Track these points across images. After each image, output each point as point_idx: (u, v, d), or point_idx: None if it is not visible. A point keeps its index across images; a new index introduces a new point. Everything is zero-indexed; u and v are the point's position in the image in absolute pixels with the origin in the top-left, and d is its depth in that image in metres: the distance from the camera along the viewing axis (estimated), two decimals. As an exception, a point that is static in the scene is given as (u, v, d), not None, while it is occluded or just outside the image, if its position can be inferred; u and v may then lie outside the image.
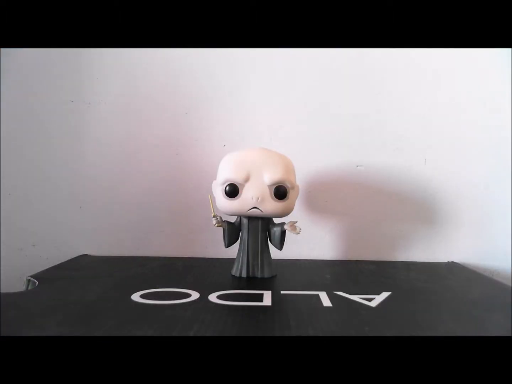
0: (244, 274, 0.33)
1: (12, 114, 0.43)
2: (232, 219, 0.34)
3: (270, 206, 0.31)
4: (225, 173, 0.31)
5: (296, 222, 0.33)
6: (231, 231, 0.33)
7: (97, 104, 0.43)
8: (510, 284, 0.33)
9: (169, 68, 0.43)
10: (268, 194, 0.30)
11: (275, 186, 0.30)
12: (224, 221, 0.33)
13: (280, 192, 0.31)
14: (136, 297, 0.28)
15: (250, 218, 0.33)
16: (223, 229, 0.33)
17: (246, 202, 0.31)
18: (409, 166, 0.43)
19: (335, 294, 0.29)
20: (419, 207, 0.44)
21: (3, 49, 0.40)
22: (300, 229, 0.32)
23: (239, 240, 0.34)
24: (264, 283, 0.32)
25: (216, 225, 0.33)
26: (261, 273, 0.33)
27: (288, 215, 0.33)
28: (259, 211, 0.31)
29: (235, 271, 0.34)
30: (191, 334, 0.22)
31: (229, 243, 0.34)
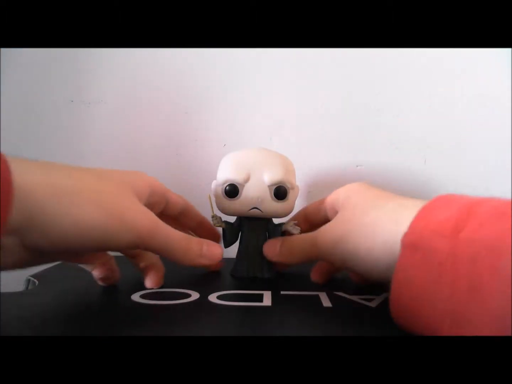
0: (244, 274, 0.33)
1: (12, 114, 0.43)
2: (232, 219, 0.34)
3: (270, 206, 0.31)
4: (225, 173, 0.31)
5: (296, 222, 0.32)
6: (231, 231, 0.33)
7: (97, 104, 0.43)
8: None
9: (169, 68, 0.43)
10: (268, 194, 0.30)
11: (275, 187, 0.30)
12: (224, 221, 0.33)
13: (280, 193, 0.30)
14: (136, 297, 0.28)
15: (250, 218, 0.32)
16: (223, 229, 0.33)
17: (246, 202, 0.30)
18: (409, 166, 0.43)
19: (335, 294, 0.29)
20: (419, 207, 0.44)
21: (3, 49, 0.40)
22: (300, 228, 0.32)
23: (238, 240, 0.34)
24: (264, 283, 0.32)
25: (216, 225, 0.33)
26: (260, 273, 0.33)
27: (288, 216, 0.33)
28: (259, 211, 0.31)
29: (234, 271, 0.33)
30: (191, 334, 0.22)
31: (228, 243, 0.33)
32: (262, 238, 0.33)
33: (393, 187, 0.43)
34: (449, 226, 0.20)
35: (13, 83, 0.42)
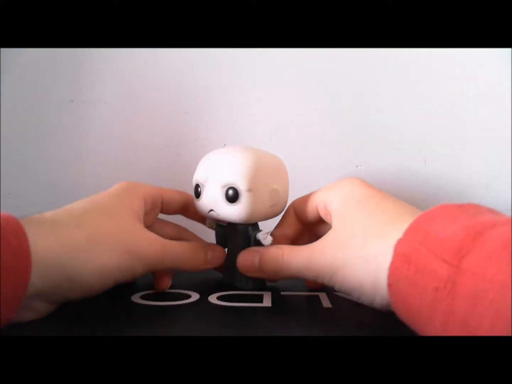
0: (229, 281, 0.30)
1: (12, 114, 0.43)
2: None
3: (222, 209, 0.28)
4: (195, 173, 0.30)
5: (268, 231, 0.29)
6: (220, 234, 0.31)
7: (97, 104, 0.43)
8: None
9: (169, 68, 0.43)
10: (221, 196, 0.28)
11: (225, 188, 0.27)
12: (215, 223, 0.31)
13: (229, 195, 0.27)
14: (136, 298, 0.28)
15: (230, 222, 0.30)
16: (215, 230, 0.32)
17: (205, 204, 0.29)
18: (409, 166, 0.43)
19: (335, 294, 0.29)
20: (419, 207, 0.44)
21: (3, 49, 0.40)
22: (272, 240, 0.28)
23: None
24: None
25: (207, 226, 0.31)
26: (240, 285, 0.30)
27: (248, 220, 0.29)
28: (216, 214, 0.28)
29: (224, 277, 0.32)
30: (191, 334, 0.22)
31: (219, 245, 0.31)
32: (241, 245, 0.30)
33: (393, 187, 0.43)
34: (451, 248, 0.18)
35: (13, 83, 0.42)
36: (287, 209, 0.31)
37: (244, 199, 0.27)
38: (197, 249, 0.29)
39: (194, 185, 0.30)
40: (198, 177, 0.29)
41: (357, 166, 0.43)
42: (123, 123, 0.43)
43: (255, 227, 0.30)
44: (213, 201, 0.28)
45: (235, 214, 0.28)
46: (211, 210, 0.28)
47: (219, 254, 0.30)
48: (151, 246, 0.26)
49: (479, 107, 0.43)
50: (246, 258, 0.28)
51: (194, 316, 0.25)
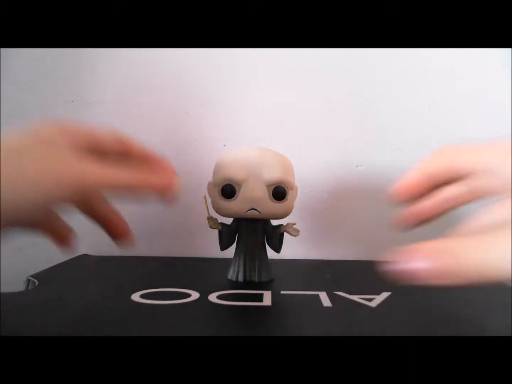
0: (241, 278, 0.32)
1: (12, 114, 0.43)
2: (228, 221, 0.33)
3: (268, 207, 0.29)
4: (222, 173, 0.29)
5: (294, 224, 0.32)
6: (227, 234, 0.32)
7: (97, 104, 0.43)
8: (510, 284, 0.33)
9: (169, 68, 0.43)
10: (266, 195, 0.29)
11: (273, 187, 0.29)
12: (220, 223, 0.32)
13: (279, 193, 0.29)
14: (136, 297, 0.28)
15: (248, 220, 0.31)
16: (219, 231, 0.32)
17: (243, 203, 0.29)
18: (409, 166, 0.43)
19: (335, 294, 0.29)
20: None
21: (3, 49, 0.40)
22: (299, 231, 0.31)
23: (235, 242, 0.33)
24: (264, 284, 0.32)
25: (212, 227, 0.31)
26: (258, 277, 0.32)
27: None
28: (257, 212, 0.29)
29: (231, 275, 0.32)
30: (191, 334, 0.22)
31: (225, 246, 0.32)
32: (260, 241, 0.32)
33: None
34: None
35: (13, 83, 0.42)
36: (418, 173, 0.25)
37: (289, 197, 0.30)
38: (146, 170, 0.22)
39: (222, 186, 0.29)
40: (231, 176, 0.29)
41: (357, 166, 0.43)
42: (123, 123, 0.43)
43: (270, 222, 0.32)
44: (255, 200, 0.29)
45: (280, 211, 0.30)
46: (251, 209, 0.29)
47: (168, 166, 0.24)
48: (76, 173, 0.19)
49: (479, 107, 0.43)
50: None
51: (194, 315, 0.25)
